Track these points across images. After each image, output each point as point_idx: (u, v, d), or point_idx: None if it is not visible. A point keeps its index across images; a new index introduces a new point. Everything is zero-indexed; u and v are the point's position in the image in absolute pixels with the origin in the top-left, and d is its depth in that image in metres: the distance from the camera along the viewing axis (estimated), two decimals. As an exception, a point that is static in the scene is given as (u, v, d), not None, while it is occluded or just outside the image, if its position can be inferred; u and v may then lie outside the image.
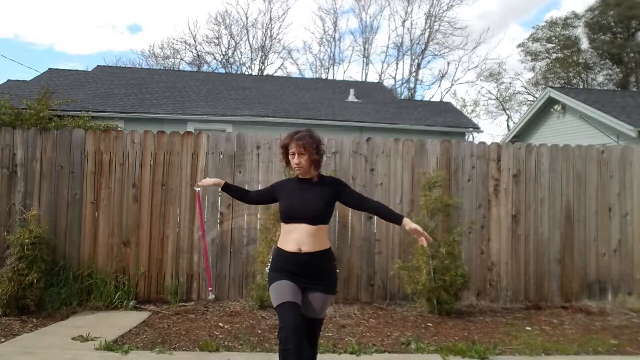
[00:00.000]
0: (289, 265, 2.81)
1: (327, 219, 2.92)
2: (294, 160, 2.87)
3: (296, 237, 2.81)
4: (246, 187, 5.92)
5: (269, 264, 2.96)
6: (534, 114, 15.83)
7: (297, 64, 38.77)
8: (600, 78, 29.56)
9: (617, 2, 26.28)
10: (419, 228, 2.85)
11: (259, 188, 5.93)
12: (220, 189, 3.24)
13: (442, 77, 34.19)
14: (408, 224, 2.88)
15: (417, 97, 32.58)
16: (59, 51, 51.82)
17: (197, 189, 3.40)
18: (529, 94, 32.35)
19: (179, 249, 5.87)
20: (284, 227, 2.89)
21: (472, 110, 34.15)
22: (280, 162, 2.99)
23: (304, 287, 2.81)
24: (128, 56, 60.02)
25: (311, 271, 2.81)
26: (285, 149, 2.93)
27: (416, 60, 32.90)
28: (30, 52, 50.39)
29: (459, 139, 12.51)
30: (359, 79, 30.47)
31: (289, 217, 2.86)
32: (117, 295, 5.52)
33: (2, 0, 43.96)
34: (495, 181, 6.20)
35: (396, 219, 2.96)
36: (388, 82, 31.93)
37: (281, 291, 2.76)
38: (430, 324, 5.14)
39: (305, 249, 2.79)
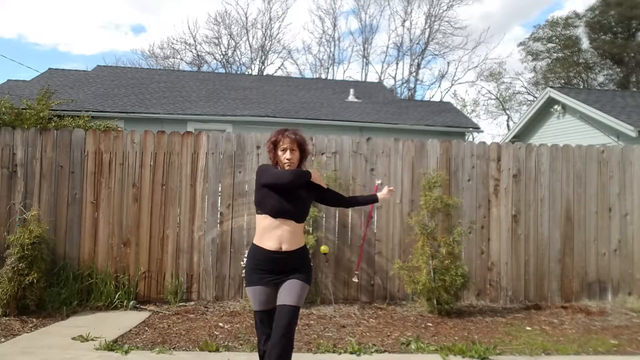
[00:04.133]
0: (267, 264, 2.85)
1: (307, 216, 3.02)
2: (285, 156, 2.89)
3: (279, 234, 2.83)
4: (246, 188, 5.95)
5: (245, 260, 3.00)
6: (534, 114, 15.83)
7: (297, 64, 38.70)
8: (600, 78, 29.58)
9: (618, 2, 26.29)
10: (388, 190, 3.34)
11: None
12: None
13: (442, 77, 34.27)
14: (381, 195, 3.31)
15: (417, 97, 32.62)
16: (63, 52, 51.99)
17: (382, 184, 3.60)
18: (529, 93, 32.39)
19: (179, 249, 5.87)
20: (268, 221, 2.85)
21: (472, 110, 34.18)
22: (275, 154, 2.95)
23: (280, 281, 2.84)
24: (129, 56, 60.06)
25: (288, 268, 2.86)
26: (275, 145, 2.93)
27: (416, 60, 32.95)
28: (34, 53, 50.59)
29: (459, 139, 12.50)
30: (359, 79, 30.49)
31: (278, 213, 2.84)
32: (117, 295, 5.53)
33: (6, 1, 44.00)
34: (495, 181, 6.20)
35: (371, 198, 3.33)
36: (388, 82, 31.98)
37: (257, 298, 2.85)
38: (430, 324, 5.14)
39: (286, 247, 2.84)
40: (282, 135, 2.91)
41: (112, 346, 4.21)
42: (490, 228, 6.14)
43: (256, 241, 2.91)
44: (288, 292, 2.79)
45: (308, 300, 2.76)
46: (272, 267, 2.84)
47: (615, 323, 5.37)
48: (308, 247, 3.95)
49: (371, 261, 5.99)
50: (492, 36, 62.61)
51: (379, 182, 3.47)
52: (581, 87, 27.49)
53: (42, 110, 6.52)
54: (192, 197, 5.90)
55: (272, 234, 2.83)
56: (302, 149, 2.95)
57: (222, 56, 33.46)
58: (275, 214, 2.84)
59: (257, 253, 2.88)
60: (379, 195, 3.29)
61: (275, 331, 2.71)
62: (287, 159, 2.89)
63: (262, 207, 2.89)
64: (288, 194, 2.86)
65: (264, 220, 2.87)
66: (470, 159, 6.19)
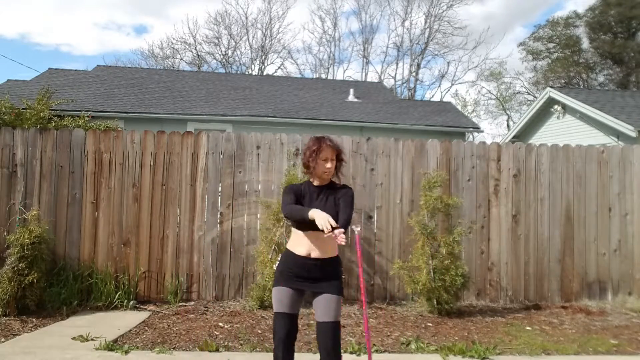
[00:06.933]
0: (296, 268, 2.87)
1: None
2: (327, 165, 2.89)
3: (308, 242, 2.86)
4: (246, 188, 5.95)
5: (277, 263, 3.02)
6: (534, 114, 15.82)
7: (297, 64, 38.85)
8: (601, 78, 29.59)
9: (618, 2, 26.29)
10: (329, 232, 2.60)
11: (259, 188, 5.95)
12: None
13: (442, 77, 34.29)
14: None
15: (417, 97, 32.64)
16: (64, 52, 52.06)
17: (357, 230, 3.12)
18: (529, 93, 32.40)
19: (179, 249, 5.87)
20: (298, 232, 2.90)
21: (473, 110, 34.20)
22: (316, 162, 2.89)
23: (308, 290, 2.88)
24: (129, 57, 60.17)
25: (317, 276, 2.86)
26: (316, 153, 2.89)
27: (416, 60, 32.96)
28: (36, 53, 50.69)
29: (459, 139, 12.47)
30: (359, 79, 30.49)
31: (306, 226, 2.79)
32: (117, 295, 5.52)
33: (9, 1, 44.04)
34: (495, 181, 6.20)
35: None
36: (388, 82, 32.00)
37: (279, 299, 2.88)
38: (430, 324, 5.14)
39: (315, 254, 2.85)
40: (325, 144, 2.90)
41: (112, 346, 4.21)
42: (490, 228, 6.14)
43: (289, 246, 2.96)
44: (326, 309, 2.80)
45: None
46: (300, 271, 2.86)
47: (615, 323, 5.37)
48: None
49: (371, 261, 5.99)
50: (492, 36, 62.71)
51: (358, 230, 3.11)
52: (581, 87, 27.48)
53: (42, 110, 6.52)
54: (192, 197, 5.90)
55: (302, 241, 2.88)
56: (339, 158, 2.98)
57: (222, 56, 33.51)
58: (301, 228, 2.87)
59: (289, 257, 2.93)
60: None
61: (325, 350, 2.76)
62: (327, 168, 2.90)
63: (289, 219, 2.96)
64: (315, 206, 2.83)
65: (294, 231, 2.93)
66: (470, 159, 6.19)
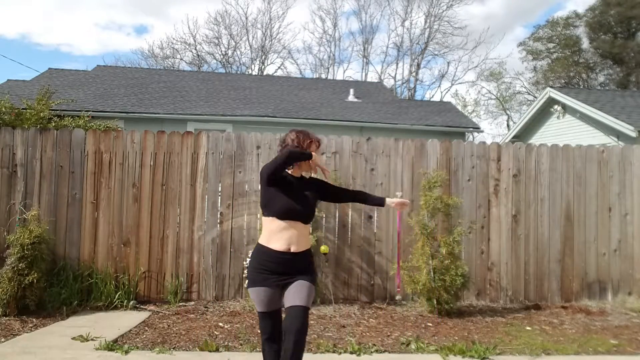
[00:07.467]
0: (273, 265, 2.82)
1: (313, 217, 3.06)
2: None
3: (287, 236, 2.82)
4: (246, 188, 5.95)
5: (249, 259, 2.98)
6: (534, 114, 15.83)
7: (297, 64, 38.84)
8: (601, 78, 29.59)
9: (618, 2, 26.29)
10: (399, 199, 3.20)
11: (259, 188, 5.94)
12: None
13: (442, 77, 34.29)
14: (390, 200, 3.15)
15: (417, 97, 32.65)
16: (64, 52, 52.10)
17: (399, 194, 3.40)
18: (529, 93, 32.40)
19: (179, 249, 5.87)
20: (276, 223, 2.83)
21: (473, 110, 34.21)
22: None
23: (286, 283, 2.83)
24: (129, 57, 60.19)
25: (294, 271, 2.84)
26: (308, 147, 2.96)
27: (416, 60, 32.96)
28: (36, 53, 50.69)
29: (459, 139, 12.46)
30: (359, 79, 30.49)
31: (286, 215, 2.82)
32: (117, 295, 5.52)
33: (9, 1, 44.07)
34: (495, 181, 6.20)
35: (378, 201, 3.19)
36: (388, 82, 32.00)
37: (261, 300, 2.84)
38: (430, 324, 5.14)
39: (294, 248, 2.84)
40: (315, 140, 3.00)
41: (112, 346, 4.21)
42: (490, 228, 6.14)
43: (263, 242, 2.87)
44: (297, 294, 2.77)
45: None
46: (277, 268, 2.82)
47: (615, 323, 5.37)
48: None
49: (371, 261, 5.99)
50: (492, 36, 62.78)
51: (399, 194, 3.39)
52: (581, 87, 27.49)
53: (42, 110, 6.52)
54: (192, 197, 5.90)
55: (280, 235, 2.82)
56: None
57: (222, 56, 33.52)
58: (282, 216, 2.81)
59: (263, 254, 2.85)
60: (388, 200, 3.16)
61: (289, 333, 2.69)
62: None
63: (268, 209, 2.86)
64: (295, 195, 2.86)
65: (271, 223, 2.85)
66: (470, 159, 6.19)
